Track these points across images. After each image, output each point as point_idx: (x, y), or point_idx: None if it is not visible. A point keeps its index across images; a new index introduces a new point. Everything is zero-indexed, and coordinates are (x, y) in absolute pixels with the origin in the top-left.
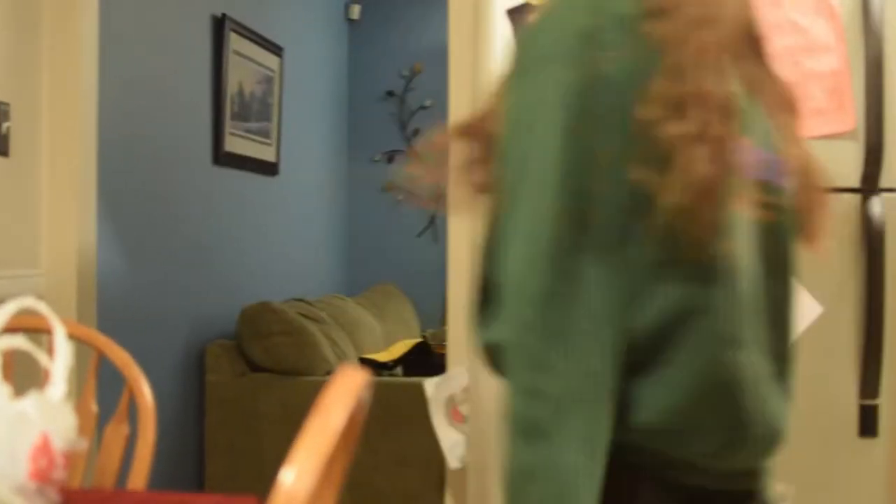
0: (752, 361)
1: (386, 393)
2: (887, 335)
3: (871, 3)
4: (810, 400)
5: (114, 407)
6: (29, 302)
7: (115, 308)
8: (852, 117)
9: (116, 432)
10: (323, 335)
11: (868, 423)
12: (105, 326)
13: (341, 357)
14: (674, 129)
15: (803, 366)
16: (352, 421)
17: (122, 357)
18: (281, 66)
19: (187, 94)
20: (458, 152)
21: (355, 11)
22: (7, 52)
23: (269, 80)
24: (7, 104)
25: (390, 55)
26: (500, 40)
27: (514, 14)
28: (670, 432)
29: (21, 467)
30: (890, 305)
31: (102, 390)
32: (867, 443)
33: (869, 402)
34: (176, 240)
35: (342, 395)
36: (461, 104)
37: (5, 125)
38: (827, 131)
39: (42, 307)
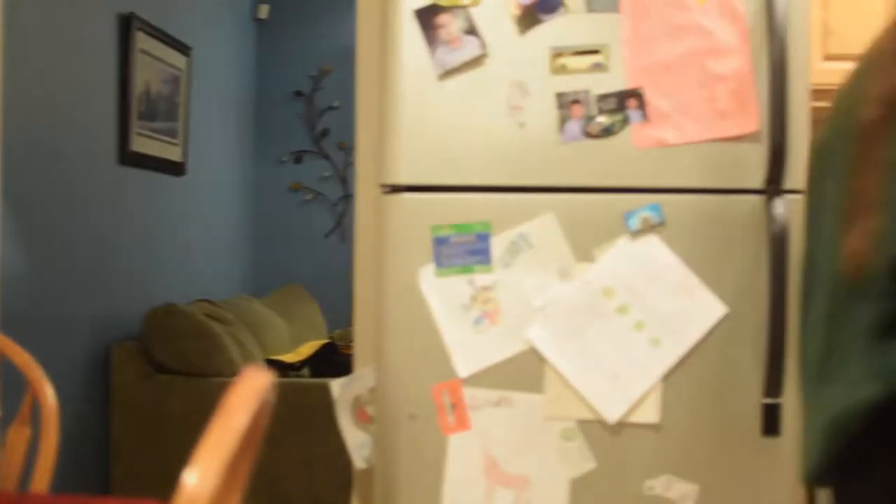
0: None
1: (293, 394)
2: (790, 334)
3: (775, 7)
4: (713, 399)
5: (17, 409)
6: None
7: (18, 309)
8: (756, 119)
9: (19, 434)
10: (229, 336)
11: (771, 422)
12: (8, 327)
13: (248, 358)
14: None
15: (707, 365)
16: (255, 422)
17: (23, 358)
18: (188, 65)
19: (93, 93)
20: None
21: (264, 11)
22: None
23: (176, 80)
24: None
25: (299, 55)
26: (408, 41)
27: (422, 15)
28: None
29: None
30: (793, 305)
31: (5, 392)
32: (770, 441)
33: (772, 400)
34: (81, 240)
35: (245, 397)
36: (369, 105)
37: None
38: (731, 133)
39: None
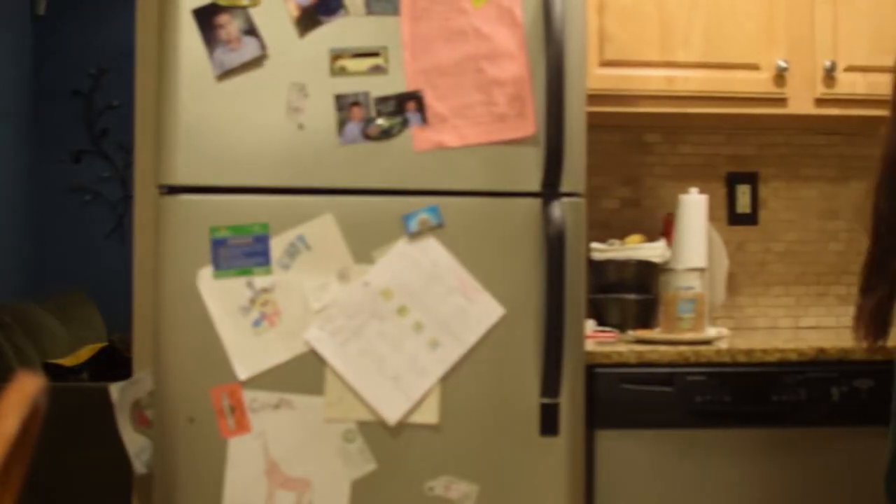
0: None
1: (71, 398)
2: (567, 335)
3: (552, 13)
4: (492, 399)
5: None
6: None
7: None
8: (532, 123)
9: None
10: (6, 341)
11: (549, 422)
12: None
13: (25, 363)
14: None
15: (485, 366)
16: (26, 427)
17: None
18: None
19: None
20: None
21: (41, 6)
22: None
23: None
24: None
25: (77, 53)
26: (186, 40)
27: (201, 15)
28: None
29: None
30: (569, 306)
31: None
32: (548, 441)
33: (550, 400)
34: None
35: (15, 403)
36: (148, 105)
37: None
38: (508, 136)
39: None
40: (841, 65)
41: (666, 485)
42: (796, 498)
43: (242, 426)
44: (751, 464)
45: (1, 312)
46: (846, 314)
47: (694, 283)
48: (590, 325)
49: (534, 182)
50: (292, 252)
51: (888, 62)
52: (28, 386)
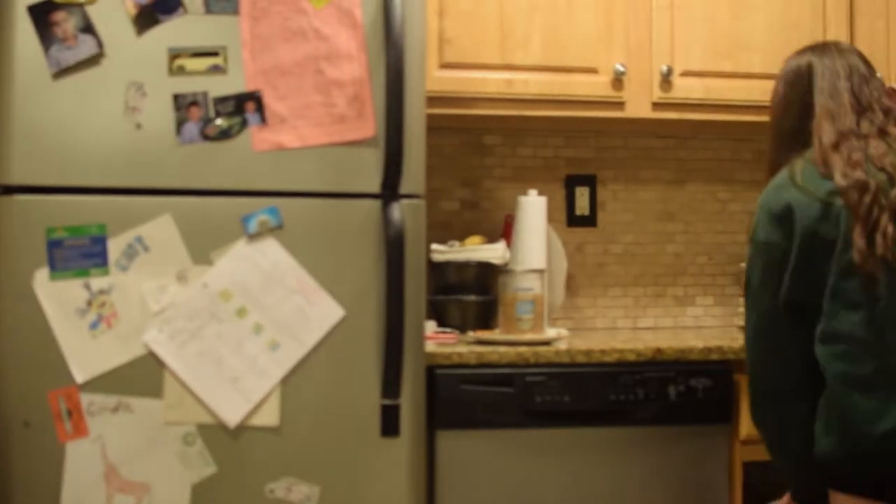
0: None
1: None
2: (407, 336)
3: (392, 15)
4: (333, 401)
5: None
6: None
7: None
8: (372, 125)
9: None
10: None
11: (390, 423)
12: None
13: None
14: None
15: (326, 367)
16: None
17: None
18: None
19: None
20: None
21: None
22: None
23: None
24: None
25: None
26: (21, 37)
27: (36, 11)
28: None
29: None
30: (409, 308)
31: None
32: (389, 442)
33: (391, 402)
34: None
35: None
36: None
37: None
38: (348, 138)
39: None
40: (677, 69)
41: (506, 484)
42: (634, 494)
43: (80, 430)
44: (590, 462)
45: None
46: (683, 314)
47: (533, 285)
48: (430, 327)
49: (373, 183)
50: (130, 253)
51: (724, 67)
52: None
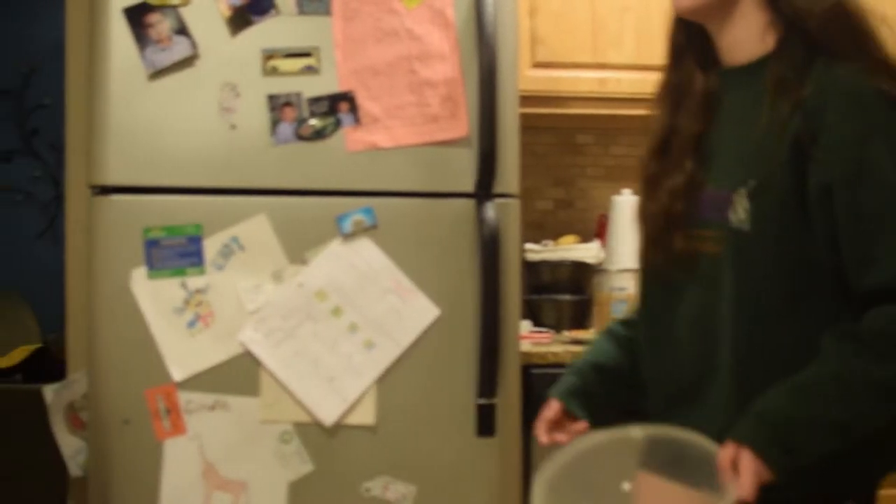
0: None
1: (4, 400)
2: (502, 336)
3: (484, 15)
4: (429, 400)
5: None
6: None
7: None
8: (465, 124)
9: None
10: None
11: (486, 422)
12: None
13: None
14: None
15: (421, 367)
16: None
17: None
18: None
19: None
20: None
21: None
22: None
23: None
24: None
25: (7, 50)
26: (117, 39)
27: (132, 13)
28: None
29: None
30: (505, 307)
31: None
32: (485, 442)
33: (486, 401)
34: None
35: None
36: (80, 104)
37: None
38: (441, 137)
39: None
40: None
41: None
42: None
43: (178, 428)
44: None
45: None
46: None
47: (628, 284)
48: (525, 326)
49: (467, 183)
50: (226, 252)
51: None
52: None
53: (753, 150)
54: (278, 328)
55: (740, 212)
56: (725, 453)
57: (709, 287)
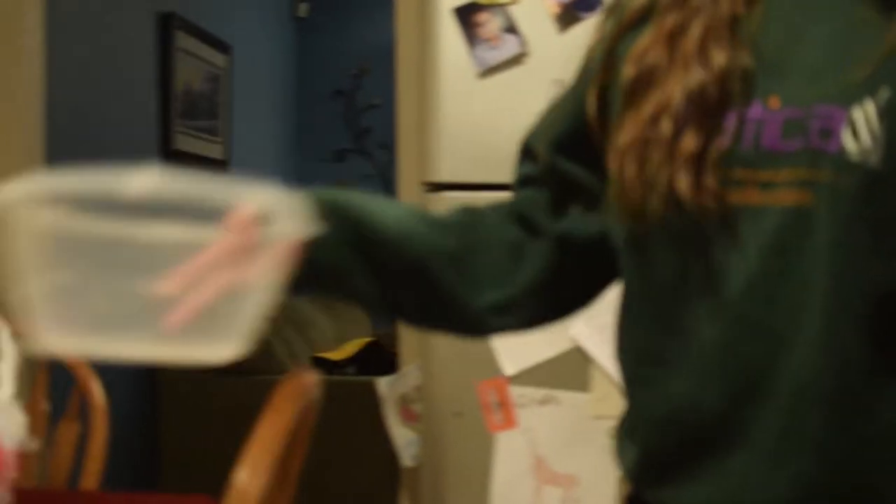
0: None
1: (339, 392)
2: None
3: None
4: None
5: (65, 406)
6: None
7: None
8: None
9: (68, 431)
10: (276, 335)
11: None
12: None
13: (294, 356)
14: None
15: None
16: (302, 420)
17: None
18: (229, 63)
19: (135, 92)
20: None
21: (303, 9)
22: None
23: (216, 78)
24: None
25: (339, 53)
26: (447, 39)
27: (461, 13)
28: None
29: None
30: None
31: (53, 389)
32: None
33: None
34: None
35: (293, 396)
36: (410, 103)
37: None
38: None
39: None
40: None
41: None
42: None
43: (509, 421)
44: None
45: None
46: None
47: None
48: None
49: None
50: None
51: None
52: (304, 380)
53: (876, 44)
54: (609, 323)
55: (864, 138)
56: None
57: (774, 265)
